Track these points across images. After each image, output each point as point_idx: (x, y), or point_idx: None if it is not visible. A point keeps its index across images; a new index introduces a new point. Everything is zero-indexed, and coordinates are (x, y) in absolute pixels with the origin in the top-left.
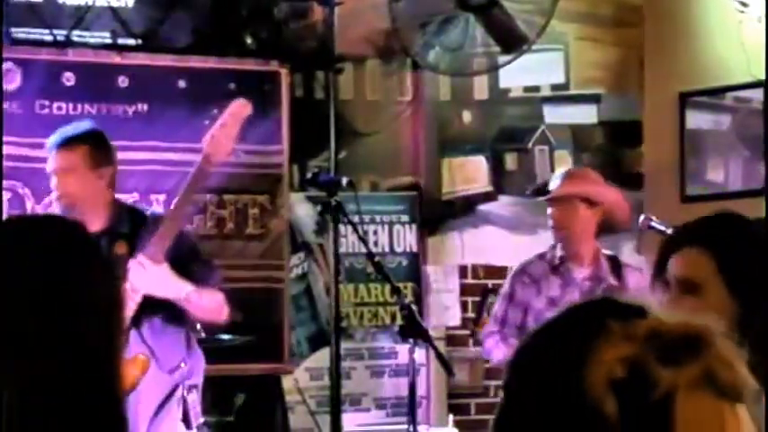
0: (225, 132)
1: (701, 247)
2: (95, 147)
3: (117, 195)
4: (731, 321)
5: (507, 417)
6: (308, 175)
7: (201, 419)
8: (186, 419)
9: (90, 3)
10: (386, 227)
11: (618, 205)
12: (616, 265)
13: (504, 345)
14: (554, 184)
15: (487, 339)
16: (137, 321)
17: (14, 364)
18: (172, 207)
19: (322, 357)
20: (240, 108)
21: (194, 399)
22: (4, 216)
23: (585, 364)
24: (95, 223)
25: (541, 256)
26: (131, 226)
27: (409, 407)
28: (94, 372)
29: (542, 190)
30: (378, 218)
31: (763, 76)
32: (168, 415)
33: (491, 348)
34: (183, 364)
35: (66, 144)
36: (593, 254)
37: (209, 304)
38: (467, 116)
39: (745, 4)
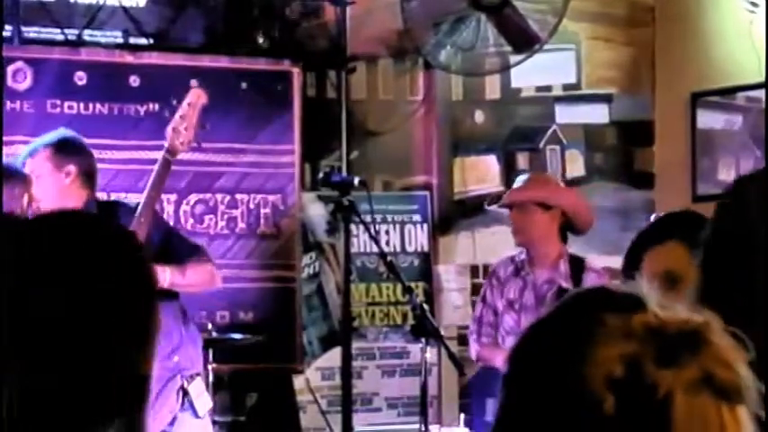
0: (184, 123)
1: (681, 241)
2: (57, 148)
3: (131, 195)
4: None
5: (507, 412)
6: (320, 175)
7: (210, 405)
8: (192, 408)
9: (102, 2)
10: (397, 226)
11: (576, 207)
12: (578, 267)
13: (478, 344)
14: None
15: (469, 339)
16: None
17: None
18: (142, 200)
19: (333, 357)
20: (197, 97)
21: (198, 386)
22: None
23: (584, 360)
24: None
25: (512, 258)
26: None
27: (421, 406)
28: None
29: (499, 198)
30: (389, 217)
31: None
32: (165, 404)
33: (470, 347)
34: (175, 357)
35: (31, 153)
36: (555, 257)
37: (195, 278)
38: (479, 116)
39: (755, 4)
